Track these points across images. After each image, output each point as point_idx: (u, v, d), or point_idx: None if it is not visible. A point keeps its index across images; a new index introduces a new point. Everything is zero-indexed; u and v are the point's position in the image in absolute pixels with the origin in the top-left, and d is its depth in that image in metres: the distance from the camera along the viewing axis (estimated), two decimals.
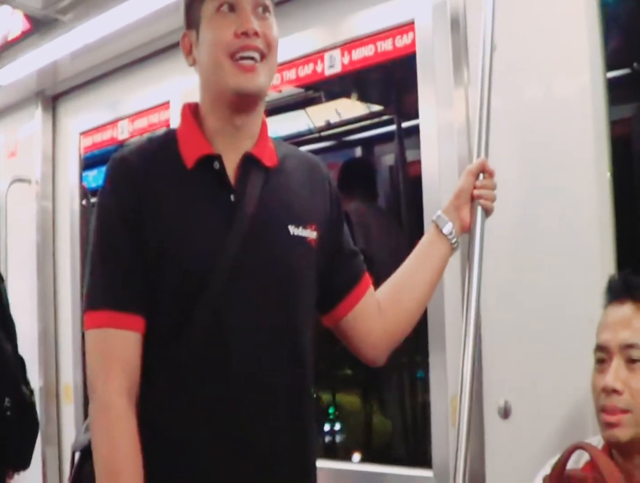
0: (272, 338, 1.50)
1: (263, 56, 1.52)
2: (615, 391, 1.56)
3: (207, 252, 1.46)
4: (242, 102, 1.53)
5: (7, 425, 2.51)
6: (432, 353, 2.31)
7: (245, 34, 1.49)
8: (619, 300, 1.64)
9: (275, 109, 3.07)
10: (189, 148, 1.54)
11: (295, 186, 1.60)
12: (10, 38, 3.42)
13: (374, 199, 3.15)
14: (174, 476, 1.45)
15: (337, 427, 2.99)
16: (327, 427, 2.97)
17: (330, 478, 2.61)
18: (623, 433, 1.56)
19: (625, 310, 1.61)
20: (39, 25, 3.26)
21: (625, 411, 1.55)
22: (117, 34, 3.18)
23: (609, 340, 1.60)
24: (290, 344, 1.52)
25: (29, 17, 3.28)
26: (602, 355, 1.61)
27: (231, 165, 1.54)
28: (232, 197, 1.51)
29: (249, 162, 1.55)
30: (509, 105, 2.08)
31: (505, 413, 2.09)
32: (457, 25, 2.24)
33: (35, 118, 4.04)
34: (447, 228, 1.68)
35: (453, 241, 1.69)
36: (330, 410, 3.01)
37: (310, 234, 1.56)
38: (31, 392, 2.65)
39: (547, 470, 1.65)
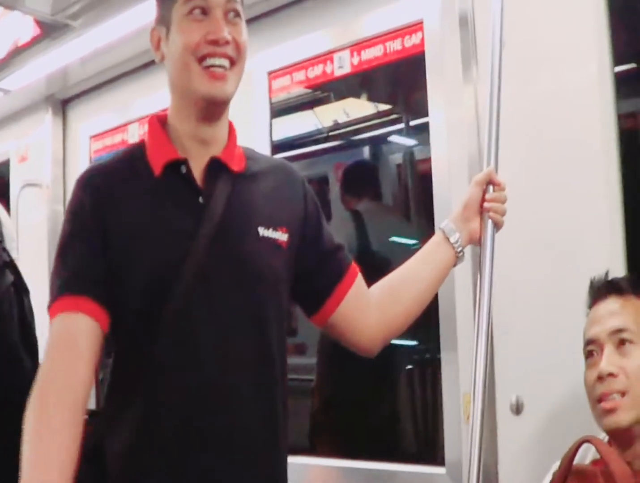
0: (240, 336, 1.50)
1: (233, 63, 1.51)
2: (610, 374, 1.56)
3: (173, 256, 1.46)
4: (209, 109, 1.53)
5: None
6: (444, 350, 2.31)
7: (215, 42, 1.48)
8: (602, 297, 1.66)
9: (283, 110, 3.08)
10: (155, 155, 1.54)
11: (264, 190, 1.59)
12: (20, 43, 3.43)
13: (382, 198, 3.16)
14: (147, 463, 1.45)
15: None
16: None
17: (340, 476, 2.62)
18: (622, 418, 1.55)
19: (610, 303, 1.63)
20: (49, 31, 3.26)
21: (622, 393, 1.55)
22: (126, 38, 3.20)
23: (598, 331, 1.62)
24: (259, 342, 1.52)
25: (39, 23, 3.29)
26: (592, 348, 1.63)
27: (199, 170, 1.54)
28: (200, 199, 1.52)
29: (216, 166, 1.55)
30: (518, 101, 2.08)
31: (517, 409, 2.09)
32: (465, 23, 2.25)
33: (46, 122, 4.06)
34: (454, 237, 1.68)
35: (458, 250, 1.68)
36: None
37: (281, 236, 1.56)
38: None
39: (557, 465, 1.64)
